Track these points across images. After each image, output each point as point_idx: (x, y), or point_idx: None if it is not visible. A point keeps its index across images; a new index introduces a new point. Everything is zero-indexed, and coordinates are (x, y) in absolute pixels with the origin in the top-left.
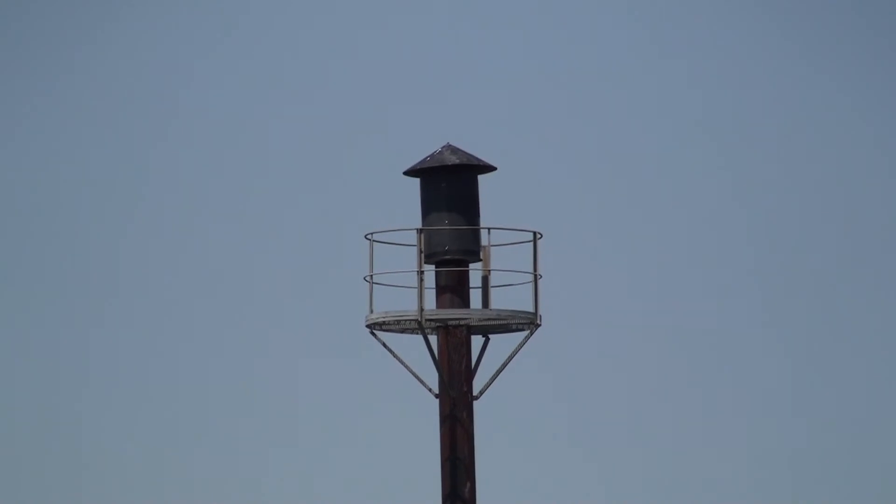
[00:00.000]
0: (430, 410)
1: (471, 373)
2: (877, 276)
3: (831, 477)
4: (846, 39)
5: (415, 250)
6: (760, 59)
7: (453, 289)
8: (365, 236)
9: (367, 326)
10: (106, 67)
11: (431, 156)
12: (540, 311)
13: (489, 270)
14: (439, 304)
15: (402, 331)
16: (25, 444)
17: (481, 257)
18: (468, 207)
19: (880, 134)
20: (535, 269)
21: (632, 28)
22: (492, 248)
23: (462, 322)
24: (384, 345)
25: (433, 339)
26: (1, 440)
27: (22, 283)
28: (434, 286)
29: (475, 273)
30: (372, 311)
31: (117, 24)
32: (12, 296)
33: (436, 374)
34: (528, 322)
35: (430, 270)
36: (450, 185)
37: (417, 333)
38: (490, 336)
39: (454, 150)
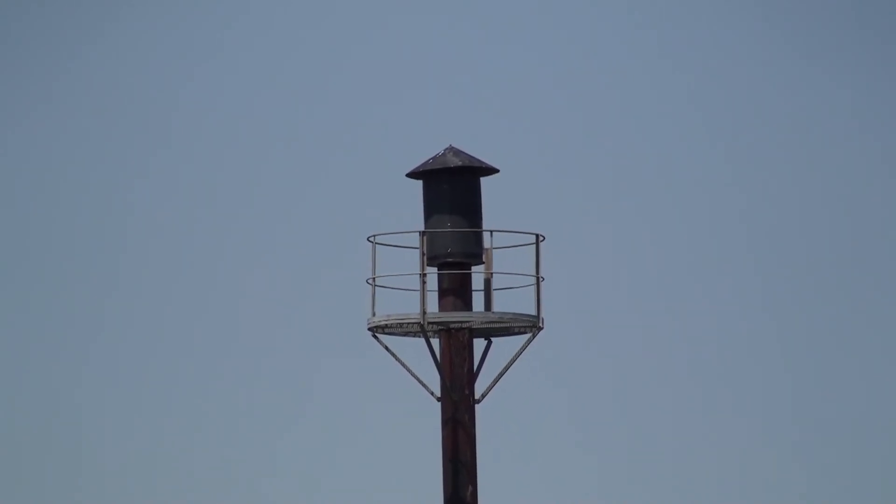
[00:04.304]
0: (432, 413)
1: (473, 376)
2: (879, 278)
3: (832, 479)
4: (850, 41)
5: (417, 253)
6: (764, 63)
7: (455, 291)
8: (367, 239)
9: (370, 329)
10: (104, 68)
11: (434, 158)
12: (542, 314)
13: (491, 273)
14: (441, 307)
15: (405, 333)
16: (25, 445)
17: (483, 260)
18: (470, 210)
19: (883, 136)
20: (537, 272)
21: (635, 30)
22: (494, 250)
23: (464, 325)
24: (386, 348)
25: (435, 341)
26: (1, 441)
27: (22, 285)
28: (436, 289)
29: (477, 276)
30: (374, 314)
31: (116, 24)
32: (13, 297)
33: (438, 377)
34: (530, 325)
35: (432, 273)
36: (452, 188)
37: (419, 336)
38: (492, 339)
39: (457, 152)
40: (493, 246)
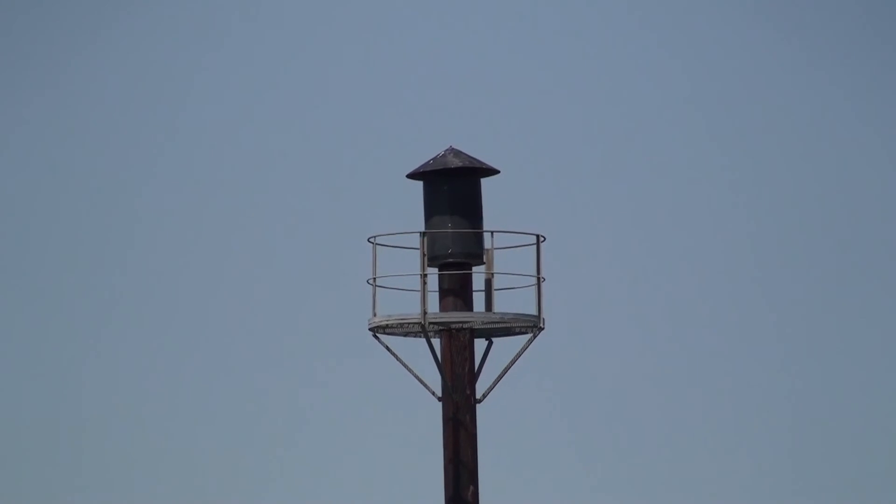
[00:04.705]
0: (433, 414)
1: (474, 376)
2: (879, 279)
3: (831, 479)
4: (852, 41)
5: (418, 253)
6: (766, 65)
7: (456, 292)
8: (368, 239)
9: (371, 329)
10: (105, 71)
11: (434, 159)
12: (543, 315)
13: (492, 273)
14: (442, 308)
15: (406, 334)
16: (26, 444)
17: (484, 260)
18: (471, 210)
19: (884, 136)
20: (538, 273)
21: (636, 32)
22: (495, 251)
23: (465, 325)
24: (387, 348)
25: (436, 342)
26: (2, 441)
27: (25, 287)
28: (437, 289)
29: (478, 276)
30: (375, 315)
31: (117, 25)
32: (15, 299)
33: (439, 378)
34: (531, 325)
35: (433, 273)
36: (453, 188)
37: (420, 336)
38: (493, 339)
39: (457, 153)
40: (494, 246)
